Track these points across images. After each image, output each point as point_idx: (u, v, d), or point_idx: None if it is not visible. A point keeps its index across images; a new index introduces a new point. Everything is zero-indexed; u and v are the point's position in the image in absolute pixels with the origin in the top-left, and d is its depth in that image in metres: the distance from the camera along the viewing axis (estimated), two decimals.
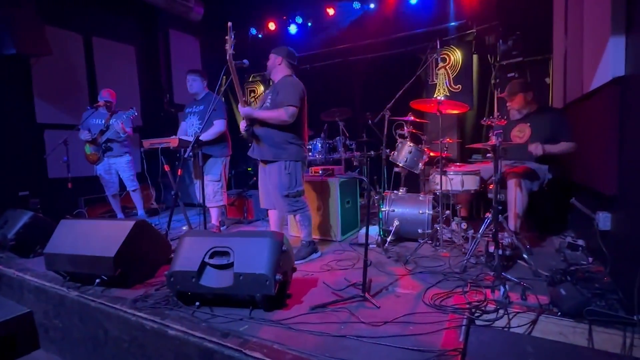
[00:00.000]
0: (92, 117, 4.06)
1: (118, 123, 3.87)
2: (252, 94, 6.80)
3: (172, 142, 3.12)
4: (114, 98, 4.12)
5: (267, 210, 2.94)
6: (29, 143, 4.38)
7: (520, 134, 2.71)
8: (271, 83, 2.82)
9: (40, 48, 3.92)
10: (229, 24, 2.40)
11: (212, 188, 3.51)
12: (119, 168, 4.15)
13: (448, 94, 4.90)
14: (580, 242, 2.51)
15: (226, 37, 2.39)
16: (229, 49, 2.38)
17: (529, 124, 2.74)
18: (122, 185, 4.28)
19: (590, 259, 2.32)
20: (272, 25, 6.13)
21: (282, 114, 2.51)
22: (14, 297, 2.68)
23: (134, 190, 4.26)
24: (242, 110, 2.56)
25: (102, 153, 4.05)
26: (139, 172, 4.42)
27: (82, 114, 4.07)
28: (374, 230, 3.04)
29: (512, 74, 4.27)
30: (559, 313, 1.71)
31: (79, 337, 2.22)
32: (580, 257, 2.40)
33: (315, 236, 3.31)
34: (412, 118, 3.28)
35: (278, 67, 2.72)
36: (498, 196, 2.22)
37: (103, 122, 4.01)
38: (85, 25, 4.95)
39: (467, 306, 1.82)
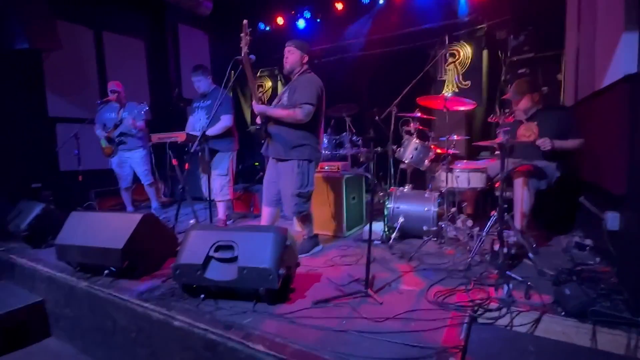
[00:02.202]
0: (106, 111, 4.11)
1: (129, 119, 3.90)
2: (260, 89, 6.82)
3: (180, 136, 3.16)
4: (121, 88, 4.13)
5: (263, 206, 2.84)
6: (41, 136, 4.46)
7: (527, 132, 2.67)
8: (291, 79, 2.73)
9: (51, 43, 3.98)
10: (245, 22, 2.34)
11: (219, 182, 3.54)
12: (133, 163, 4.18)
13: (457, 90, 4.85)
14: (588, 241, 2.48)
15: (241, 35, 2.32)
16: (244, 47, 2.31)
17: (536, 123, 2.70)
18: (135, 178, 4.31)
19: (598, 259, 2.30)
20: (280, 20, 6.12)
21: (298, 113, 2.45)
22: (26, 286, 2.76)
23: (149, 185, 4.30)
24: (256, 107, 2.51)
25: (116, 146, 4.10)
26: None
27: (98, 110, 4.13)
28: (379, 226, 3.05)
29: (523, 70, 4.20)
30: (563, 313, 1.70)
31: (88, 326, 2.28)
32: (587, 257, 2.38)
33: (321, 231, 3.32)
34: (419, 114, 3.26)
35: (303, 65, 2.64)
36: (504, 194, 2.21)
37: (116, 115, 4.05)
38: (95, 20, 5.01)
39: (470, 304, 1.81)
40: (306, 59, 2.64)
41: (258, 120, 2.63)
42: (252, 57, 2.52)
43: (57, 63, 4.53)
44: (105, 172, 4.96)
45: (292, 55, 2.61)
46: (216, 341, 1.59)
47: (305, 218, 2.74)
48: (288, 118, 2.50)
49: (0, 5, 3.63)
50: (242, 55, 2.37)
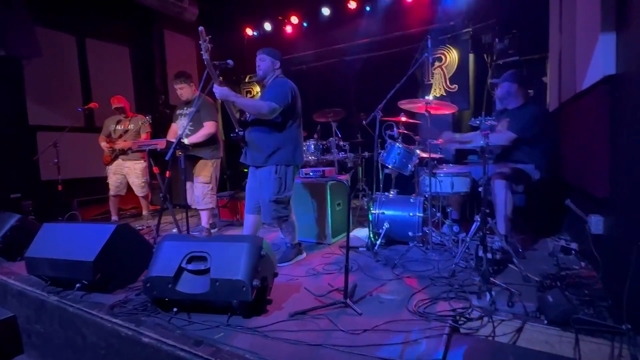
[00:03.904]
0: (112, 122, 4.17)
1: (135, 130, 4.06)
2: (249, 95, 6.76)
3: (160, 143, 3.09)
4: (124, 103, 4.18)
5: (245, 213, 2.81)
6: (21, 145, 4.36)
7: (502, 128, 2.66)
8: (265, 85, 2.74)
9: (30, 50, 3.90)
10: (201, 28, 2.37)
11: (201, 190, 3.47)
12: (130, 173, 4.15)
13: (444, 94, 4.84)
14: (574, 245, 2.44)
15: (200, 42, 2.36)
16: (204, 53, 2.35)
17: (508, 119, 2.69)
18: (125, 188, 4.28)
19: (583, 264, 2.26)
20: (267, 26, 6.10)
21: (263, 107, 2.43)
22: None
23: (143, 197, 4.30)
24: (217, 90, 2.39)
25: (115, 156, 4.11)
26: None
27: (104, 121, 4.23)
28: (364, 233, 2.99)
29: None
30: (545, 321, 1.64)
31: (59, 343, 2.18)
32: (573, 261, 2.34)
33: (305, 239, 3.26)
34: (404, 118, 3.23)
35: (275, 71, 2.65)
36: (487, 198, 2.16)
37: (122, 127, 4.13)
38: (78, 27, 4.93)
39: (451, 313, 1.76)
40: (278, 64, 2.66)
41: (237, 129, 2.62)
42: (230, 62, 2.48)
43: (39, 70, 4.45)
44: (88, 180, 4.87)
45: (263, 63, 2.63)
46: (185, 358, 1.52)
47: (287, 225, 2.67)
48: (252, 108, 2.49)
49: None
50: (205, 61, 2.38)
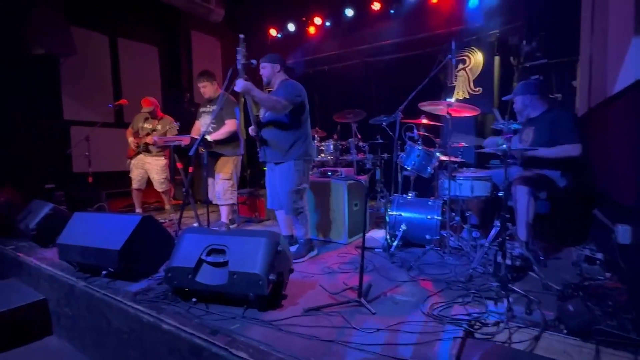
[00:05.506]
0: (141, 119, 4.29)
1: (162, 131, 4.12)
2: None
3: (184, 140, 3.20)
4: (154, 104, 4.28)
5: (275, 210, 3.00)
6: (56, 138, 4.61)
7: (527, 137, 2.58)
8: (269, 90, 2.89)
9: (66, 48, 4.13)
10: (241, 36, 2.48)
11: (222, 186, 3.56)
12: (150, 169, 4.27)
13: (468, 97, 4.75)
14: (599, 255, 2.35)
15: (238, 48, 2.46)
16: (242, 59, 2.46)
17: (533, 128, 2.60)
18: (147, 182, 4.41)
19: (608, 275, 2.18)
20: (291, 27, 6.16)
21: (278, 103, 2.57)
22: (31, 284, 2.82)
23: (163, 192, 4.42)
24: (239, 83, 2.49)
25: (138, 151, 4.24)
26: None
27: (135, 116, 4.33)
28: (380, 234, 2.99)
29: (536, 77, 4.08)
30: (565, 330, 1.60)
31: (86, 326, 2.30)
32: (597, 271, 2.25)
33: (322, 238, 3.30)
34: (424, 120, 3.20)
35: (277, 74, 2.80)
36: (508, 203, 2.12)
37: (150, 125, 4.23)
38: (111, 27, 5.17)
39: (467, 318, 1.74)
40: (278, 68, 2.79)
41: (251, 130, 2.77)
42: (254, 62, 2.56)
43: (74, 68, 4.69)
44: (116, 174, 5.06)
45: (265, 70, 2.78)
46: (201, 346, 1.57)
47: (302, 217, 2.76)
48: (268, 104, 2.60)
49: (19, 13, 3.79)
50: (238, 66, 2.50)
